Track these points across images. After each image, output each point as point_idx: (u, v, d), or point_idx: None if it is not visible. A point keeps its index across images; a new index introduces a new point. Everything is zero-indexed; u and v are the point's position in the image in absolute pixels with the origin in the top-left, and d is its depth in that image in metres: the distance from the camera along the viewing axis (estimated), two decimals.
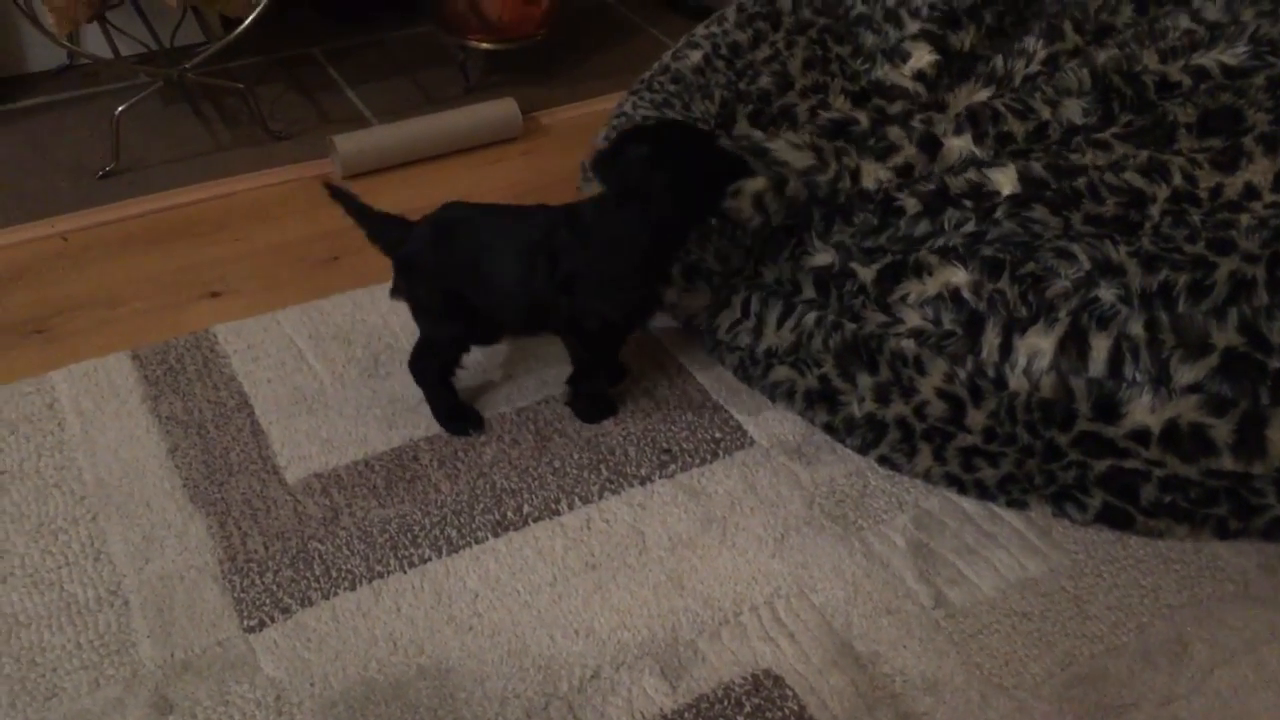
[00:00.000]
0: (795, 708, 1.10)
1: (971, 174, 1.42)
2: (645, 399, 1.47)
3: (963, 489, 1.33)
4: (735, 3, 1.87)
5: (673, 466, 1.37)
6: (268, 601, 1.20)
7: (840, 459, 1.38)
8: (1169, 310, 1.24)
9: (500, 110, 2.05)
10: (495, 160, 2.02)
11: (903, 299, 1.35)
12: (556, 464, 1.37)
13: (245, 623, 1.18)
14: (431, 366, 1.40)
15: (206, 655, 1.15)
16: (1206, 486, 1.23)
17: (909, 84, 1.66)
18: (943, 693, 1.12)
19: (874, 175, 1.47)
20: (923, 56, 1.68)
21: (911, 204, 1.42)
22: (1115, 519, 1.28)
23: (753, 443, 1.41)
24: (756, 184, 1.44)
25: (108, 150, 1.94)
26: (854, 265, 1.40)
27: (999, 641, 1.17)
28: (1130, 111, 1.51)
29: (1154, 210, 1.36)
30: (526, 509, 1.31)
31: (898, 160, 1.48)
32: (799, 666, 1.14)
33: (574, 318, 1.35)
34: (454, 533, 1.28)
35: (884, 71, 1.70)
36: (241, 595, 1.21)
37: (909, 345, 1.32)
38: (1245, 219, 1.32)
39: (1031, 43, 1.66)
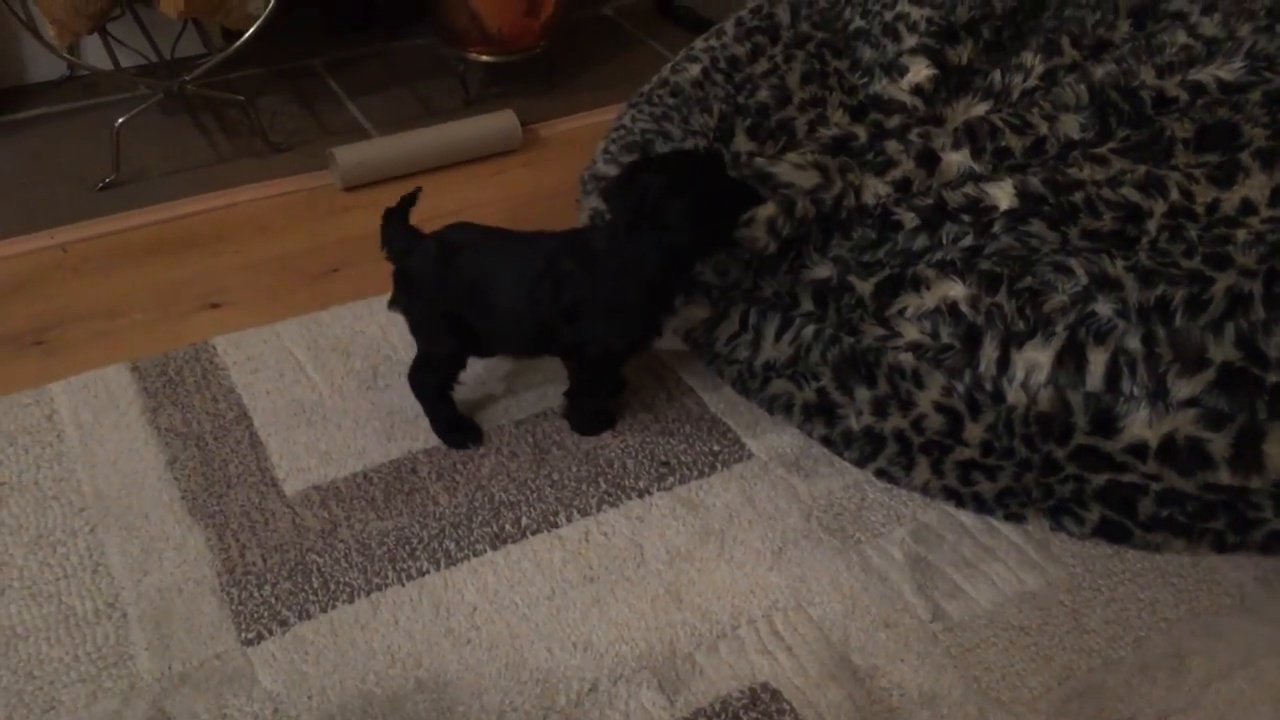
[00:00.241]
0: None
1: (969, 188, 1.43)
2: (644, 412, 1.47)
3: (960, 502, 1.33)
4: (734, 16, 1.88)
5: (671, 479, 1.37)
6: (266, 614, 1.20)
7: (838, 472, 1.38)
8: (1166, 325, 1.24)
9: (500, 122, 2.06)
10: (495, 172, 2.02)
11: (901, 313, 1.35)
12: (555, 477, 1.38)
13: (243, 635, 1.18)
14: (430, 381, 1.40)
15: (204, 668, 1.15)
16: (1204, 500, 1.23)
17: (907, 98, 1.67)
18: (940, 706, 1.12)
19: (872, 190, 1.47)
20: (920, 71, 1.68)
21: (909, 218, 1.43)
22: (1113, 533, 1.28)
23: (751, 456, 1.41)
24: (768, 210, 1.44)
25: (108, 162, 1.94)
26: (852, 279, 1.40)
27: (997, 655, 1.17)
28: (1127, 126, 1.52)
29: (1151, 225, 1.36)
30: (525, 521, 1.31)
31: (896, 175, 1.49)
32: (796, 680, 1.14)
33: (576, 344, 1.35)
34: (452, 545, 1.28)
35: (882, 86, 1.70)
36: (240, 608, 1.21)
37: (907, 359, 1.32)
38: (1242, 234, 1.33)
39: (1029, 58, 1.66)
